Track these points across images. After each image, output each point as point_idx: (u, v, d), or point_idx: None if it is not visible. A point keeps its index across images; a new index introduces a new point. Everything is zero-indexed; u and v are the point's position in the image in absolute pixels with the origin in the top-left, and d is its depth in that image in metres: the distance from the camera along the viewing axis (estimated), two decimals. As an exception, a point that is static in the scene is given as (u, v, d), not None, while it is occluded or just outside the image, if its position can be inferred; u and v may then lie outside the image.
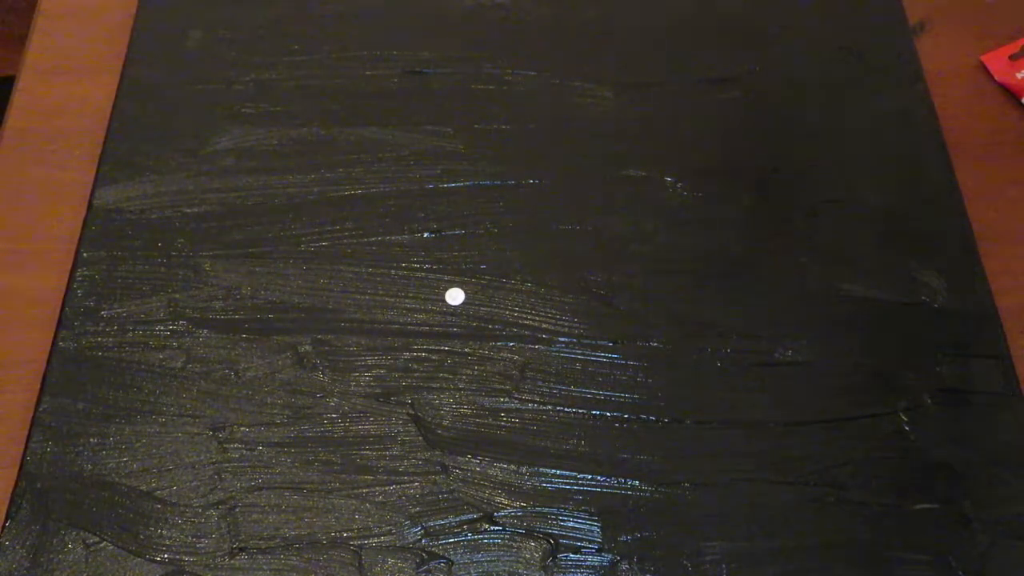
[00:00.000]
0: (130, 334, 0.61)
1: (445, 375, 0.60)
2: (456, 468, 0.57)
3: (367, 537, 0.55)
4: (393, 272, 0.63)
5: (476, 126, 0.69)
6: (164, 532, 0.55)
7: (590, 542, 0.55)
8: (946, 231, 0.65)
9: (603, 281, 0.63)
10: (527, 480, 0.57)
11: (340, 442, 0.58)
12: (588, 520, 0.56)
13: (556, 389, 0.60)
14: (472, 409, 0.59)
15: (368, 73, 0.71)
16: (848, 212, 0.66)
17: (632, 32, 0.74)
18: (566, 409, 0.59)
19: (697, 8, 0.75)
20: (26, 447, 0.57)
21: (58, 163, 0.69)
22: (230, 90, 0.70)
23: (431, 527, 0.56)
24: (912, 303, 0.62)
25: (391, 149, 0.68)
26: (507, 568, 0.55)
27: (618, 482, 0.57)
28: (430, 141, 0.68)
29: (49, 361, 0.60)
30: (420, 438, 0.58)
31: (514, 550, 0.55)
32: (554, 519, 0.56)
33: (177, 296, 0.62)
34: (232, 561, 0.55)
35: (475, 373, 0.60)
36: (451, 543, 0.55)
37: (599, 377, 0.60)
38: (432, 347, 0.61)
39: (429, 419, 0.59)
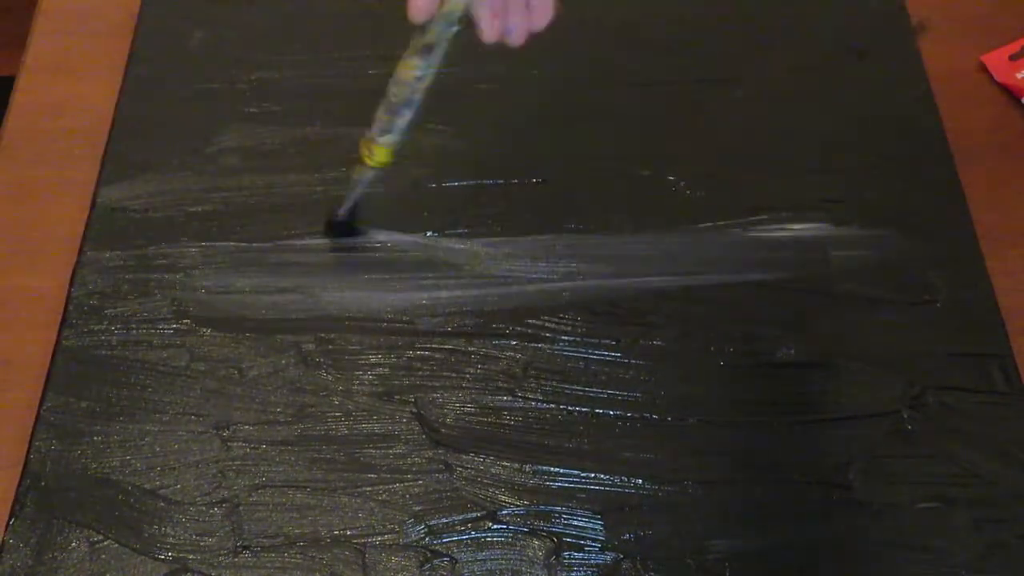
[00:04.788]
0: (134, 333, 0.61)
1: (448, 374, 0.60)
2: (459, 466, 0.57)
3: (371, 535, 0.55)
4: (396, 271, 0.63)
5: (478, 125, 0.69)
6: (168, 530, 0.55)
7: (593, 540, 0.56)
8: (948, 230, 0.65)
9: (606, 279, 0.63)
10: (530, 478, 0.57)
11: (344, 440, 0.58)
12: (591, 518, 0.56)
13: (559, 388, 0.60)
14: (475, 407, 0.59)
15: (371, 72, 0.71)
16: (849, 211, 0.66)
17: (634, 32, 0.74)
18: (569, 408, 0.59)
19: (698, 8, 0.75)
20: (30, 445, 0.58)
21: (59, 163, 0.69)
22: (233, 90, 0.71)
23: (434, 525, 0.56)
24: (914, 302, 0.63)
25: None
26: (510, 566, 0.55)
27: (621, 480, 0.57)
28: (433, 140, 0.69)
29: (53, 360, 0.60)
30: (423, 436, 0.58)
31: (517, 548, 0.55)
32: (557, 517, 0.56)
33: (180, 295, 0.62)
34: (236, 559, 0.55)
35: (478, 372, 0.60)
36: (454, 541, 0.55)
37: (602, 376, 0.60)
38: (435, 346, 0.61)
39: (432, 417, 0.59)
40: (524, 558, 0.55)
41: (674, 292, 0.63)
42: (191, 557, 0.55)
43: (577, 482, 0.57)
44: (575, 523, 0.56)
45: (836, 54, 0.73)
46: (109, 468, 0.57)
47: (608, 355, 0.61)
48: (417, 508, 0.56)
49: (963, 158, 0.68)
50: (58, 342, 0.61)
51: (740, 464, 0.58)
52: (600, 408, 0.59)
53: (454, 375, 0.60)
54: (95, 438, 0.58)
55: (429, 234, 0.65)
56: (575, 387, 0.60)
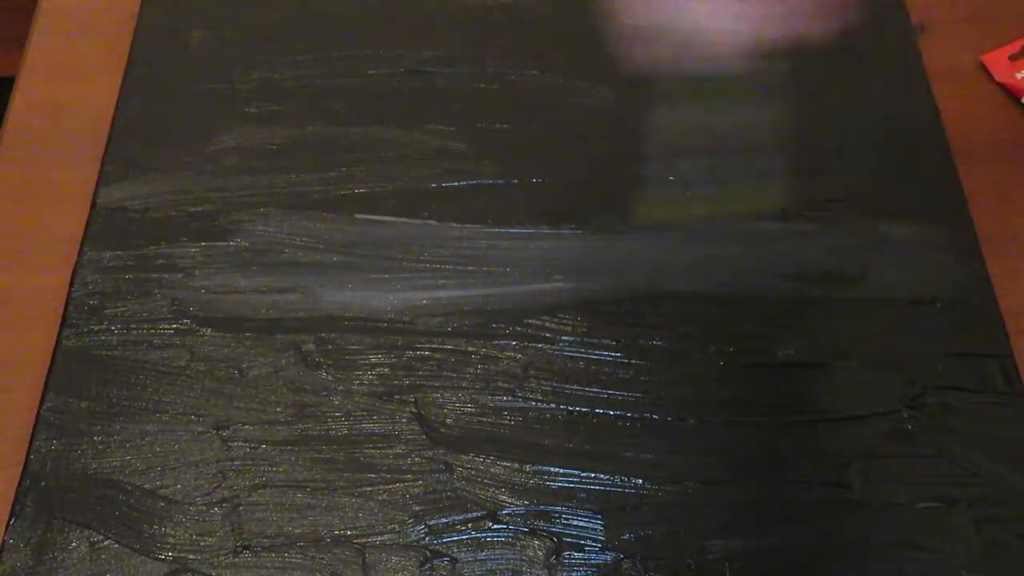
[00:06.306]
0: (134, 332, 0.61)
1: (448, 373, 0.60)
2: (460, 466, 0.57)
3: (371, 535, 0.55)
4: (396, 271, 0.63)
5: (478, 125, 0.69)
6: (168, 530, 0.55)
7: (593, 540, 0.56)
8: (948, 230, 0.65)
9: (606, 280, 0.63)
10: (530, 478, 0.57)
11: (344, 440, 0.58)
12: (591, 518, 0.56)
13: (559, 388, 0.60)
14: (475, 407, 0.59)
15: (371, 72, 0.72)
16: (849, 211, 0.66)
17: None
18: (569, 408, 0.59)
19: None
20: (30, 446, 0.57)
21: (59, 163, 0.69)
22: (233, 89, 0.70)
23: (435, 525, 0.56)
24: (914, 302, 0.63)
25: (393, 148, 0.68)
26: (511, 566, 0.55)
27: (621, 480, 0.57)
28: (432, 140, 0.69)
29: (53, 360, 0.60)
30: (424, 436, 0.58)
31: (518, 548, 0.55)
32: (557, 517, 0.56)
33: (180, 294, 0.62)
34: (236, 559, 0.55)
35: (478, 372, 0.60)
36: (455, 541, 0.55)
37: (602, 376, 0.60)
38: (435, 345, 0.61)
39: (432, 417, 0.59)
40: (524, 558, 0.55)
41: (674, 292, 0.63)
42: (191, 557, 0.55)
43: (577, 482, 0.57)
44: (575, 523, 0.56)
45: (836, 54, 0.73)
46: (109, 468, 0.57)
47: (608, 355, 0.61)
48: (417, 508, 0.56)
49: (963, 158, 0.68)
50: (58, 342, 0.61)
51: (740, 464, 0.58)
52: (600, 408, 0.59)
53: (454, 375, 0.60)
54: (95, 438, 0.58)
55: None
56: (575, 387, 0.60)
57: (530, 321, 0.62)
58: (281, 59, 0.72)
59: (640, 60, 0.66)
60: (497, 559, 0.55)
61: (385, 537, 0.55)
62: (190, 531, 0.55)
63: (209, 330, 0.61)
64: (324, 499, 0.56)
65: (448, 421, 0.59)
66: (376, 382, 0.60)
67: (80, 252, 0.64)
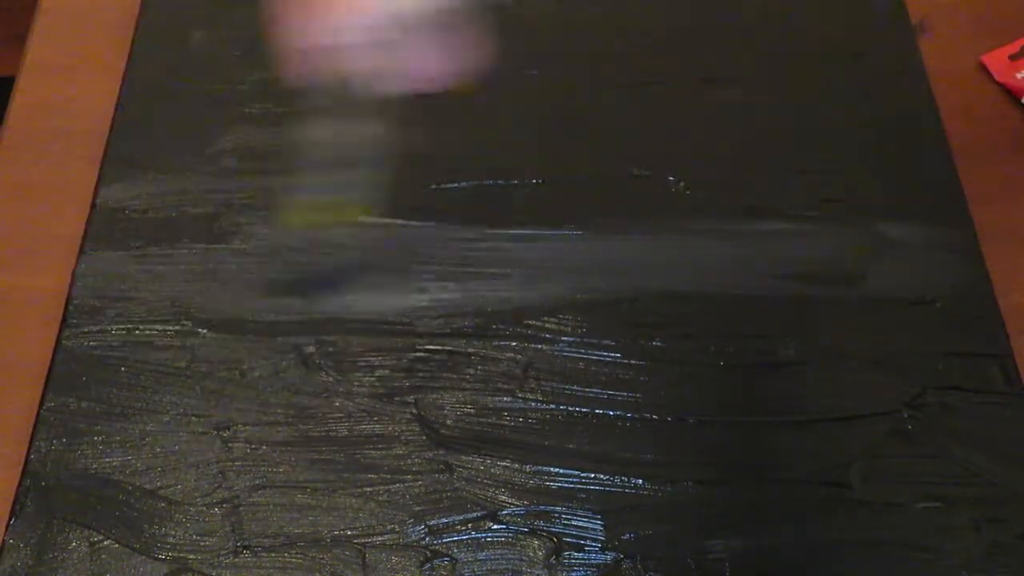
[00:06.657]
0: (134, 333, 0.61)
1: (449, 375, 0.60)
2: (460, 467, 0.57)
3: (371, 535, 0.55)
4: (395, 272, 0.63)
5: (478, 125, 0.69)
6: (168, 530, 0.55)
7: (593, 540, 0.56)
8: (948, 230, 0.65)
9: (606, 280, 0.63)
10: (530, 479, 0.57)
11: (344, 441, 0.58)
12: (591, 518, 0.56)
13: (559, 388, 0.60)
14: (476, 408, 0.59)
15: (371, 72, 0.72)
16: (849, 211, 0.66)
17: (634, 32, 0.74)
18: (569, 408, 0.59)
19: (698, 8, 0.75)
20: (30, 446, 0.58)
21: (59, 163, 0.69)
22: (233, 90, 0.70)
23: (435, 525, 0.56)
24: (914, 302, 0.63)
25: (394, 148, 0.68)
26: (511, 566, 0.55)
27: (621, 480, 0.57)
28: (432, 140, 0.69)
29: (53, 360, 0.60)
30: (424, 437, 0.58)
31: (518, 548, 0.55)
32: (557, 517, 0.56)
33: (181, 295, 0.62)
34: (236, 559, 0.55)
35: (478, 373, 0.60)
36: (455, 541, 0.55)
37: (602, 376, 0.60)
38: (435, 347, 0.61)
39: (433, 418, 0.59)
40: (524, 558, 0.55)
41: (674, 292, 0.63)
42: (191, 557, 0.55)
43: (577, 482, 0.57)
44: (575, 523, 0.56)
45: (836, 54, 0.73)
46: (109, 468, 0.57)
47: (608, 355, 0.61)
48: (417, 508, 0.56)
49: (963, 158, 0.68)
50: (58, 342, 0.61)
51: (740, 464, 0.58)
52: (600, 408, 0.59)
53: (454, 376, 0.60)
54: (95, 438, 0.58)
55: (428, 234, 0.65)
56: (575, 388, 0.60)
57: (530, 321, 0.62)
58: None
59: None
60: (497, 559, 0.55)
61: (385, 537, 0.55)
62: (190, 531, 0.55)
63: (209, 331, 0.61)
64: (324, 499, 0.56)
65: (448, 422, 0.59)
66: (377, 383, 0.60)
67: (80, 252, 0.64)
